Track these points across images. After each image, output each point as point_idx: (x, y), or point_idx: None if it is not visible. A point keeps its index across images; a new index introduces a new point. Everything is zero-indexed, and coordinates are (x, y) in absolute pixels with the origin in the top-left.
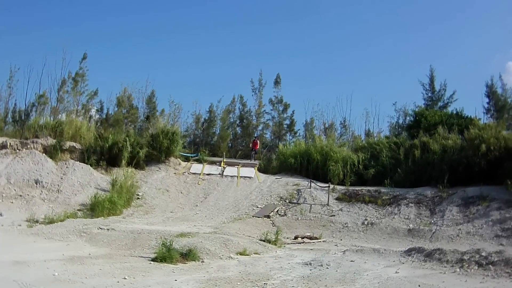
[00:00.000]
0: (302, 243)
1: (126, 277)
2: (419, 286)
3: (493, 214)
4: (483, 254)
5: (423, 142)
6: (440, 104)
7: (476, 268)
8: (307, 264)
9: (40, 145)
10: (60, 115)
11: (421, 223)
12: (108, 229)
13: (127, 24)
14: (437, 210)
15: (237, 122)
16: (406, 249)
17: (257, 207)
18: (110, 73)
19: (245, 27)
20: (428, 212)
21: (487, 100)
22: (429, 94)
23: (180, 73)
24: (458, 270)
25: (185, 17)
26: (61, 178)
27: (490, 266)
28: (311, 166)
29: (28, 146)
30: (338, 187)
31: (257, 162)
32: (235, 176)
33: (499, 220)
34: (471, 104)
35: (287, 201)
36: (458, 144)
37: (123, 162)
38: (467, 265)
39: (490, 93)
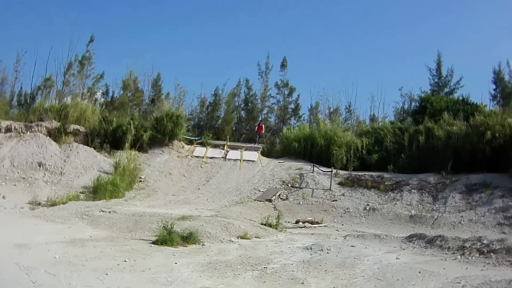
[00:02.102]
0: (303, 227)
1: (126, 260)
2: (419, 272)
3: (496, 202)
4: (485, 242)
5: (427, 128)
6: (446, 90)
7: (478, 255)
8: (308, 249)
9: (44, 128)
10: (65, 98)
11: (423, 209)
12: (109, 212)
13: (133, 7)
14: (439, 196)
15: (242, 105)
16: (408, 235)
17: (259, 191)
18: (116, 56)
19: (253, 11)
20: (431, 199)
21: (493, 86)
22: (436, 80)
23: (187, 56)
24: (459, 257)
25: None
26: (65, 161)
27: (492, 254)
28: (314, 151)
29: (33, 129)
30: (341, 172)
31: (260, 146)
32: (238, 159)
33: (502, 208)
34: (478, 90)
35: (290, 185)
36: (463, 131)
37: (127, 145)
38: (468, 253)
39: (497, 79)
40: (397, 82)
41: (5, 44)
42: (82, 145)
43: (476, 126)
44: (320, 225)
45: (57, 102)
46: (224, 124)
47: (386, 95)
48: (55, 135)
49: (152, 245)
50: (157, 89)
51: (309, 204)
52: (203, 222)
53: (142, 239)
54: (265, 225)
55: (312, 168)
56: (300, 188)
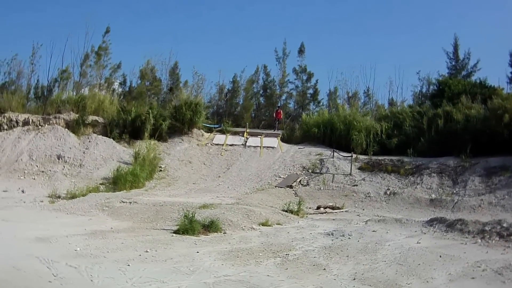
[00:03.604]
0: (325, 213)
1: (148, 250)
2: (440, 256)
3: None
4: (505, 225)
5: (446, 112)
6: (463, 73)
7: (498, 239)
8: (329, 234)
9: (62, 120)
10: (83, 90)
11: (443, 193)
12: (130, 202)
13: None
14: (459, 180)
15: (261, 92)
16: (428, 219)
17: (280, 177)
18: (133, 46)
19: None
20: (451, 182)
21: (510, 69)
22: (453, 63)
23: (204, 43)
24: (479, 241)
25: None
26: (84, 153)
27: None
28: (334, 136)
29: (51, 121)
30: (361, 157)
31: (280, 132)
32: (258, 146)
33: None
34: (495, 73)
35: (310, 171)
36: (481, 114)
37: (146, 134)
38: (488, 236)
39: None
40: (415, 66)
41: (21, 37)
42: (101, 136)
43: (494, 109)
44: (341, 210)
45: (74, 93)
46: (243, 111)
47: (404, 79)
48: (73, 127)
49: (174, 234)
50: (175, 77)
51: (329, 190)
52: (224, 210)
53: (164, 229)
54: (286, 211)
55: (332, 154)
56: (321, 173)
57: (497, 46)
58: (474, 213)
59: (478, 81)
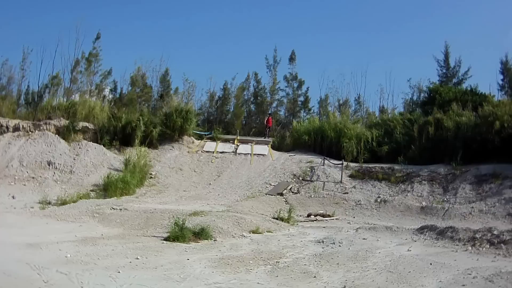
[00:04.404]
0: (315, 220)
1: (138, 257)
2: (430, 264)
3: (506, 192)
4: (495, 232)
5: (437, 119)
6: (454, 80)
7: (488, 246)
8: (320, 242)
9: (53, 126)
10: (73, 96)
11: (434, 200)
12: (121, 209)
13: (140, 1)
14: (450, 187)
15: (251, 99)
16: (419, 227)
17: (270, 184)
18: (124, 52)
19: (260, 3)
20: (441, 190)
21: (501, 77)
22: (444, 71)
23: (195, 50)
24: (470, 248)
25: None
26: (74, 159)
27: (502, 244)
28: (324, 143)
29: (41, 127)
30: (352, 164)
31: (270, 139)
32: (248, 153)
33: None
34: (486, 80)
35: (300, 178)
36: (472, 121)
37: (137, 141)
38: (479, 244)
39: (505, 69)
40: (406, 73)
41: (11, 43)
42: (91, 142)
43: (484, 117)
44: (332, 218)
45: (65, 100)
46: (233, 118)
47: (395, 87)
48: (64, 133)
49: (164, 241)
50: (165, 84)
51: (320, 197)
52: (214, 217)
53: (154, 236)
54: (276, 219)
55: (322, 161)
56: (311, 181)
57: (488, 54)
58: (465, 220)
59: (469, 88)
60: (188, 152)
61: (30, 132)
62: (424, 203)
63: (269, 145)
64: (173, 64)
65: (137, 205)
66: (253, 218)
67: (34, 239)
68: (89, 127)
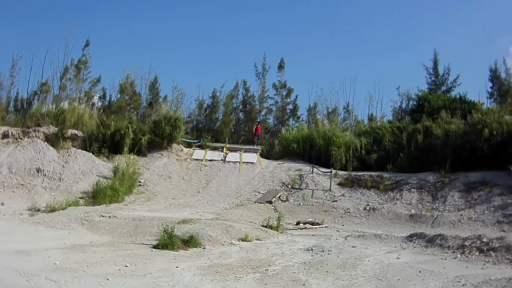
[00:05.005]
0: (304, 228)
1: (127, 265)
2: (420, 272)
3: (495, 199)
4: (484, 240)
5: (426, 127)
6: (443, 88)
7: (477, 254)
8: (309, 250)
9: (42, 133)
10: (62, 103)
11: (423, 208)
12: (110, 217)
13: (129, 8)
14: (439, 195)
15: (240, 107)
16: (408, 234)
17: (259, 192)
18: (113, 60)
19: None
20: (430, 198)
21: (490, 84)
22: (433, 78)
23: (184, 58)
24: (459, 256)
25: (188, 1)
26: (63, 166)
27: (491, 252)
28: (313, 151)
29: (30, 134)
30: (341, 172)
31: (259, 147)
32: (237, 161)
33: (501, 206)
34: (475, 88)
35: (289, 186)
36: (461, 129)
37: (125, 149)
38: (468, 251)
39: (494, 77)
40: (395, 81)
41: (0, 49)
42: (80, 150)
43: (473, 124)
44: (321, 226)
45: (54, 107)
46: (222, 126)
47: (384, 95)
48: (53, 140)
49: (153, 249)
50: (154, 92)
51: (309, 205)
52: (203, 225)
53: (143, 244)
54: (266, 227)
55: (311, 169)
56: (300, 189)
57: (477, 61)
58: (454, 228)
59: (458, 96)
60: (177, 160)
61: (19, 139)
62: (413, 211)
63: (258, 153)
64: (162, 72)
65: (126, 213)
66: (242, 226)
67: (23, 246)
68: (78, 135)
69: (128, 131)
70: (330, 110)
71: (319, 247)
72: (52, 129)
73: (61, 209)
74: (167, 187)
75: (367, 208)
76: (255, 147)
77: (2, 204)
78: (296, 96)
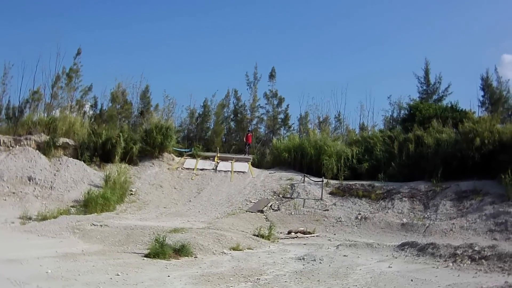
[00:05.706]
0: (296, 238)
1: (119, 274)
2: (411, 280)
3: (487, 208)
4: (476, 248)
5: (417, 136)
6: (435, 97)
7: (469, 262)
8: (300, 259)
9: (33, 141)
10: (54, 111)
11: (414, 217)
12: (101, 226)
13: (121, 17)
14: (430, 204)
15: (231, 116)
16: (399, 243)
17: (251, 202)
18: (104, 68)
19: (240, 20)
20: (422, 207)
21: (482, 93)
22: (424, 87)
23: (175, 67)
24: (451, 264)
25: (179, 10)
26: (54, 175)
27: (483, 260)
28: (305, 161)
29: (22, 143)
30: (332, 182)
31: (251, 156)
32: (228, 171)
33: (493, 215)
34: (466, 97)
35: (281, 195)
36: (452, 138)
37: (117, 158)
38: (460, 260)
39: (485, 86)
40: (386, 90)
41: None
42: (71, 158)
43: (465, 133)
44: (312, 235)
45: (45, 115)
46: (214, 135)
47: (375, 104)
48: (44, 148)
49: (145, 258)
50: (146, 101)
51: (301, 214)
52: (195, 234)
53: (135, 252)
54: (257, 236)
55: (303, 178)
56: (292, 198)
57: (468, 70)
58: (446, 237)
59: (449, 105)
60: (168, 169)
61: (10, 147)
62: (404, 220)
63: (249, 163)
64: (154, 81)
65: (117, 222)
66: (234, 235)
67: (14, 254)
68: (70, 143)
69: (119, 140)
70: (321, 119)
71: (310, 256)
72: (44, 137)
73: (53, 217)
74: (159, 196)
75: (359, 217)
76: (246, 156)
77: None
78: (287, 106)
